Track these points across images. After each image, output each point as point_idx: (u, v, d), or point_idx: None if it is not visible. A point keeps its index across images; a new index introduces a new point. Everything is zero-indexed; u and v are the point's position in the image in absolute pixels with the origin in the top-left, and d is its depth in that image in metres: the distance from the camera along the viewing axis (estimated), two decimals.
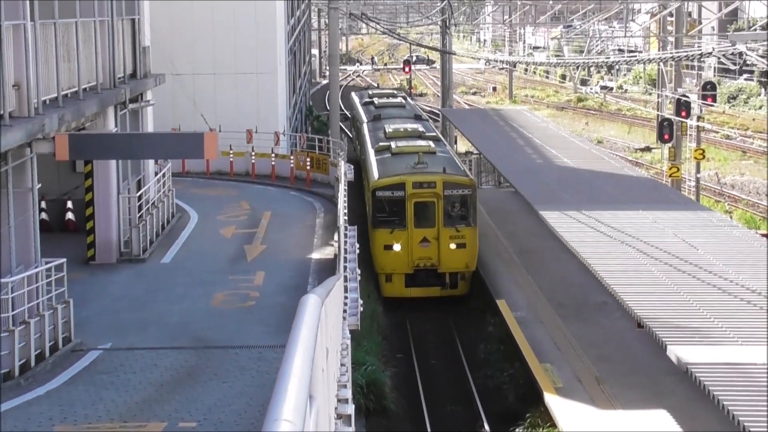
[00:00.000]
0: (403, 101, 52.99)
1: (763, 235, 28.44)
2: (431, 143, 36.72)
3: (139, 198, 29.76)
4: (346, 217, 26.03)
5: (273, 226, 33.42)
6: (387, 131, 40.00)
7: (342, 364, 11.19)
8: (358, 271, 21.98)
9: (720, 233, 24.42)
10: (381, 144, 37.35)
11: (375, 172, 33.85)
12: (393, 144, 36.56)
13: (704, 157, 47.15)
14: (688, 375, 15.49)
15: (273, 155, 43.10)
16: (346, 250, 22.97)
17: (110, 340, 20.60)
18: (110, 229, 27.96)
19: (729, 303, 18.43)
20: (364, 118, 48.16)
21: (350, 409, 8.18)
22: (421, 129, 40.71)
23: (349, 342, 15.04)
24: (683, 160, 45.20)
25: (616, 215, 26.13)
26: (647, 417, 21.77)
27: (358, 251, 23.96)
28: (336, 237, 26.21)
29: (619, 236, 23.78)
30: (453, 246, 31.95)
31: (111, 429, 14.15)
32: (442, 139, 41.90)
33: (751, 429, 13.03)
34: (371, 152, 37.49)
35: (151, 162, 32.81)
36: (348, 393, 9.02)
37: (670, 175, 43.82)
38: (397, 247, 31.88)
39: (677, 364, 15.95)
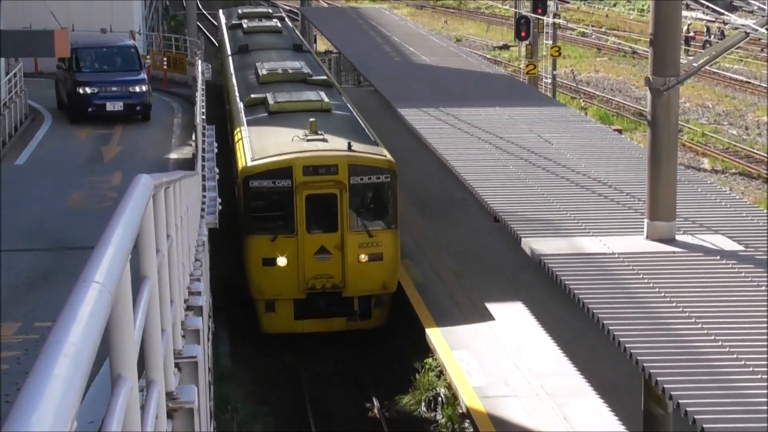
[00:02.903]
0: (280, 25, 42.56)
1: (615, 131, 29.07)
2: (323, 95, 27.13)
3: None
4: (203, 117, 25.77)
5: (130, 126, 32.93)
6: (260, 74, 30.29)
7: (197, 259, 11.25)
8: (216, 170, 21.85)
9: (574, 128, 24.88)
10: (253, 96, 27.55)
11: (247, 148, 23.82)
12: (270, 97, 26.69)
13: (560, 54, 47.78)
14: (541, 266, 15.88)
15: None
16: (204, 149, 22.77)
17: None
18: None
19: (581, 196, 18.86)
20: (229, 49, 37.98)
21: (202, 301, 8.27)
22: (306, 70, 30.69)
23: (206, 239, 15.04)
24: (540, 58, 45.71)
25: (474, 112, 26.39)
26: (504, 309, 22.33)
27: (216, 151, 23.79)
28: (194, 137, 25.95)
29: (476, 132, 24.05)
30: (364, 257, 22.65)
31: None
32: (336, 84, 31.93)
33: (600, 315, 13.45)
34: (240, 108, 27.53)
35: (2, 61, 31.94)
36: (201, 286, 9.09)
37: (527, 73, 44.31)
38: (281, 261, 22.42)
39: (531, 256, 16.32)
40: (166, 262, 5.76)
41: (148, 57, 42.30)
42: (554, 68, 46.38)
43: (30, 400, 1.84)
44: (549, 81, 46.14)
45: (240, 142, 24.61)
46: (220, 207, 19.17)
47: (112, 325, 3.25)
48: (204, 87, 29.81)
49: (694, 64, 17.15)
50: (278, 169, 22.48)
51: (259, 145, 23.61)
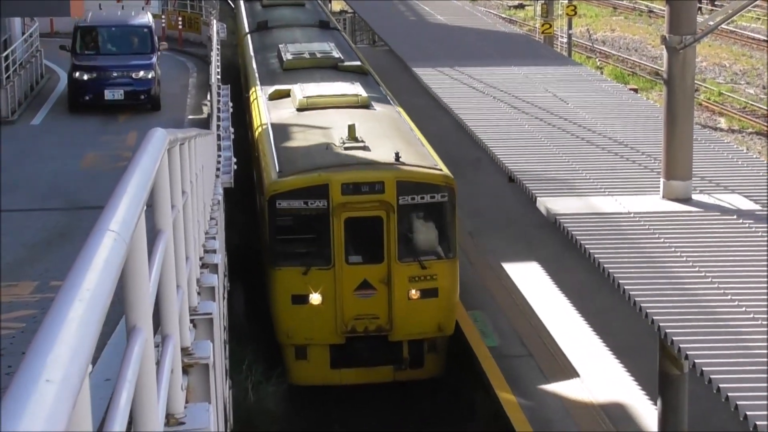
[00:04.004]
0: None
1: (631, 90, 28.94)
2: (359, 87, 23.22)
3: (6, 59, 28.97)
4: (218, 76, 25.74)
5: None
6: (284, 58, 26.75)
7: (212, 218, 11.29)
8: (232, 130, 21.87)
9: (589, 88, 24.77)
10: (277, 88, 24.05)
11: (271, 157, 19.73)
12: (297, 90, 22.92)
13: (576, 13, 47.52)
14: (556, 226, 15.85)
15: None
16: (219, 109, 22.78)
17: None
18: None
19: (597, 155, 18.80)
20: (246, 25, 34.33)
21: (217, 259, 8.30)
22: (336, 53, 27.11)
23: (221, 198, 15.07)
24: (555, 17, 45.47)
25: (489, 71, 26.28)
26: (520, 269, 22.33)
27: (231, 110, 23.78)
28: (209, 96, 25.95)
29: (492, 92, 23.97)
30: (415, 294, 18.60)
31: None
32: (371, 71, 27.36)
33: (615, 275, 13.42)
34: (262, 101, 23.89)
35: (18, 21, 31.91)
36: (216, 244, 9.12)
37: (542, 32, 44.09)
38: (315, 298, 18.41)
39: (546, 216, 16.29)
40: (181, 218, 5.76)
41: (163, 17, 42.17)
42: (570, 27, 46.15)
43: (45, 342, 1.84)
44: (564, 40, 45.93)
45: (263, 147, 20.59)
46: (236, 167, 19.20)
47: (127, 275, 3.25)
48: (219, 47, 29.76)
49: (711, 23, 17.02)
50: (312, 187, 18.28)
51: (287, 154, 19.54)
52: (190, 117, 28.76)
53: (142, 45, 29.85)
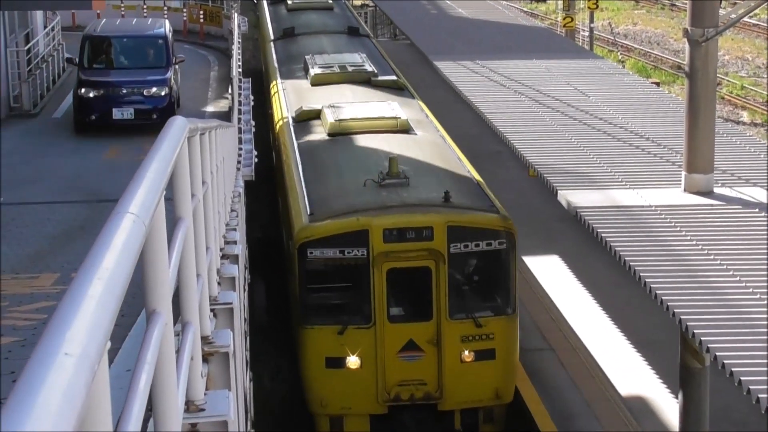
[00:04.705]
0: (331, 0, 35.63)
1: (653, 83, 28.86)
2: (398, 108, 20.68)
3: (28, 52, 29.10)
4: (240, 70, 25.78)
5: None
6: (311, 72, 24.25)
7: (233, 210, 11.33)
8: (253, 123, 21.90)
9: (611, 81, 24.70)
10: (305, 108, 21.23)
11: (301, 194, 17.16)
12: (328, 112, 20.21)
13: (597, 6, 47.38)
14: (577, 219, 15.82)
15: (165, 8, 42.29)
16: (240, 102, 22.82)
17: (2, 195, 20.35)
18: None
19: (618, 148, 18.75)
20: (271, 31, 31.87)
21: (238, 250, 8.32)
22: (368, 66, 24.61)
23: (242, 191, 15.10)
24: (577, 11, 45.35)
25: (510, 65, 26.24)
26: (540, 263, 22.31)
27: (252, 104, 23.82)
28: (230, 89, 25.99)
29: (513, 85, 23.92)
30: (469, 356, 15.95)
31: (2, 280, 14.06)
32: (408, 85, 24.78)
33: (637, 268, 13.39)
34: (288, 122, 21.36)
35: (39, 15, 32.02)
36: (237, 236, 9.15)
37: (564, 26, 43.98)
38: (353, 361, 15.81)
39: (567, 209, 16.26)
40: (201, 208, 5.78)
41: (184, 10, 42.29)
42: (591, 21, 46.02)
43: (65, 318, 1.85)
44: (586, 34, 45.83)
45: (291, 179, 18.15)
46: (257, 160, 19.24)
47: (147, 259, 3.27)
48: (240, 40, 29.80)
49: (733, 16, 16.95)
50: (349, 233, 15.64)
51: (319, 191, 17.01)
52: (212, 110, 28.81)
53: (156, 58, 27.08)
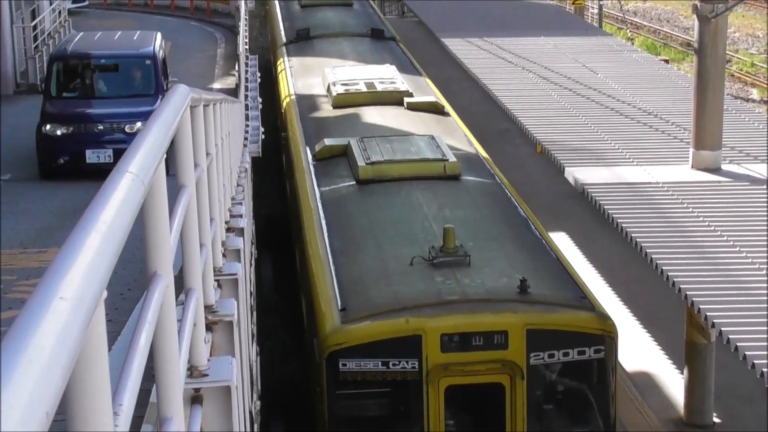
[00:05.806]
0: None
1: (662, 61, 28.79)
2: (444, 148, 15.84)
3: (34, 28, 29.09)
4: (246, 47, 25.75)
5: (174, 56, 32.92)
6: (333, 92, 19.98)
7: (239, 185, 11.35)
8: (260, 100, 21.89)
9: (620, 58, 24.65)
10: (327, 143, 16.86)
11: (327, 276, 12.60)
12: (358, 153, 15.74)
13: None
14: (584, 196, 15.81)
15: None
16: (247, 79, 22.80)
17: (9, 172, 20.39)
18: (5, 60, 27.38)
19: (626, 125, 18.73)
20: (283, 34, 27.58)
21: (243, 223, 8.35)
22: (401, 85, 20.24)
23: (249, 167, 15.11)
24: None
25: (519, 42, 26.19)
26: None
27: (259, 80, 23.80)
28: (237, 66, 25.96)
29: (521, 62, 23.89)
30: None
31: (10, 254, 14.10)
32: (448, 108, 20.12)
33: (644, 245, 13.39)
34: (306, 162, 17.01)
35: None
36: (242, 209, 9.18)
37: (573, 3, 43.86)
38: None
39: (575, 186, 16.25)
40: (204, 178, 5.80)
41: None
42: None
43: (62, 265, 1.87)
44: (595, 11, 45.67)
45: (313, 245, 13.72)
46: (263, 136, 19.24)
47: (147, 220, 3.28)
48: (247, 17, 29.74)
49: None
50: (396, 339, 11.26)
51: (350, 270, 12.60)
52: (218, 86, 28.80)
53: (144, 84, 20.73)
